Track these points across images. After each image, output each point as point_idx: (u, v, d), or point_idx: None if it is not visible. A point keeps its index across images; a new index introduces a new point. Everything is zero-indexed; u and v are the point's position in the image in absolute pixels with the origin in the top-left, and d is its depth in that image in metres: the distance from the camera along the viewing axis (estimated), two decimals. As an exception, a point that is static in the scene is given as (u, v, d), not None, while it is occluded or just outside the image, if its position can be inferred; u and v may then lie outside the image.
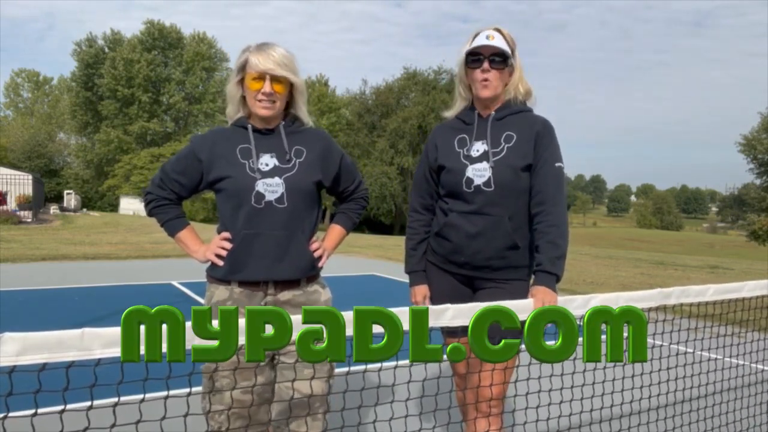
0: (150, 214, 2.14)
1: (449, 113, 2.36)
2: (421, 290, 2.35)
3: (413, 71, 50.00)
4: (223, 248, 2.01)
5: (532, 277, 2.29)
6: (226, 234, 2.03)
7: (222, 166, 2.02)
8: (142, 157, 44.39)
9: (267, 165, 2.02)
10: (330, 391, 2.08)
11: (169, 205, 2.12)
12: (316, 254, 2.10)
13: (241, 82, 2.03)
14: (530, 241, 2.23)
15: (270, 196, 1.99)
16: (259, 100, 1.99)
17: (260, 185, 1.99)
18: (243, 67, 2.01)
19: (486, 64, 2.15)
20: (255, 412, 1.98)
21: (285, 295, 2.04)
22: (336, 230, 2.27)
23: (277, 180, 2.00)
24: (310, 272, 2.08)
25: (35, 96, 65.47)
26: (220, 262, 2.00)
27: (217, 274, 2.03)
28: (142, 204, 2.18)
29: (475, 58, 2.17)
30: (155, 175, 2.13)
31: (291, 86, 2.05)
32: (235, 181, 1.99)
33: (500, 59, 2.15)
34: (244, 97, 2.06)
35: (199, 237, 2.15)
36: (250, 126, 2.06)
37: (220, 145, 2.06)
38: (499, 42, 2.16)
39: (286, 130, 2.09)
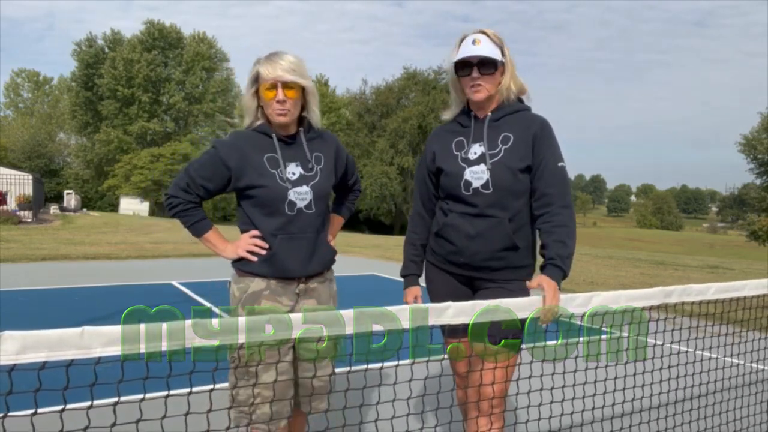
0: (175, 216, 2.25)
1: (447, 115, 2.37)
2: (413, 291, 2.39)
3: (413, 71, 50.03)
4: (255, 245, 2.16)
5: (534, 277, 2.29)
6: (256, 232, 2.17)
7: (253, 175, 2.15)
8: (142, 157, 44.40)
9: (294, 174, 2.18)
10: (333, 371, 2.27)
11: (195, 208, 2.24)
12: (331, 245, 2.34)
13: (256, 93, 2.16)
14: (531, 242, 2.23)
15: (300, 204, 2.17)
16: (275, 109, 2.12)
17: (292, 194, 2.16)
18: (256, 79, 2.14)
19: (475, 72, 2.15)
20: (285, 391, 2.14)
21: (313, 283, 2.25)
22: (338, 220, 2.54)
23: (305, 188, 2.18)
24: (331, 263, 2.34)
25: (35, 96, 65.50)
26: (254, 258, 2.16)
27: (253, 270, 2.18)
28: (165, 206, 2.30)
29: (464, 66, 2.17)
30: (179, 179, 2.22)
31: (303, 91, 2.17)
32: (268, 190, 2.14)
33: (489, 65, 2.14)
34: (260, 107, 2.19)
35: (223, 236, 2.29)
36: (274, 135, 2.19)
37: (248, 154, 2.17)
38: (485, 47, 2.14)
39: (306, 137, 2.24)
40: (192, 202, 2.22)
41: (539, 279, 1.97)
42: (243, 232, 2.23)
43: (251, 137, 2.20)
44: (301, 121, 2.25)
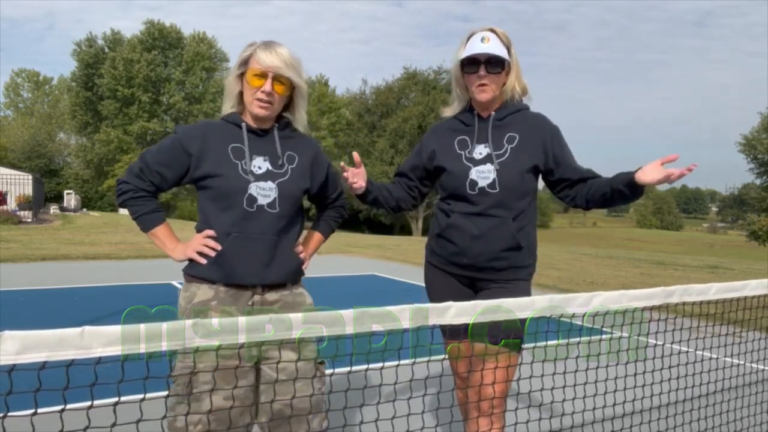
0: (123, 204, 2.00)
1: (447, 112, 2.34)
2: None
3: (413, 71, 50.01)
4: (207, 246, 1.93)
5: (533, 275, 2.29)
6: (210, 232, 1.95)
7: (212, 163, 1.94)
8: (142, 157, 44.36)
9: (260, 168, 1.97)
10: (323, 402, 2.01)
11: (147, 197, 1.99)
12: (301, 257, 2.09)
13: (242, 77, 1.97)
14: (532, 242, 2.24)
15: (262, 200, 1.94)
16: (258, 99, 1.93)
17: (253, 188, 1.94)
18: (246, 62, 1.95)
19: (482, 71, 2.12)
20: (236, 419, 1.87)
21: (272, 295, 2.00)
22: (317, 237, 2.27)
23: (270, 184, 1.96)
24: (296, 276, 2.07)
25: (35, 96, 65.48)
26: (203, 261, 1.93)
27: (200, 274, 1.95)
28: (115, 193, 2.04)
29: (470, 63, 2.15)
30: (133, 164, 2.00)
31: (292, 89, 2.00)
32: (226, 180, 1.93)
33: (496, 63, 2.13)
34: (241, 93, 2.00)
35: (175, 234, 2.06)
36: (244, 125, 2.00)
37: (212, 141, 1.97)
38: (494, 45, 2.12)
39: (280, 133, 2.04)
40: (144, 191, 1.98)
41: (648, 167, 1.98)
42: (199, 232, 1.99)
43: (218, 126, 2.01)
44: (279, 119, 2.07)
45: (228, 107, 2.04)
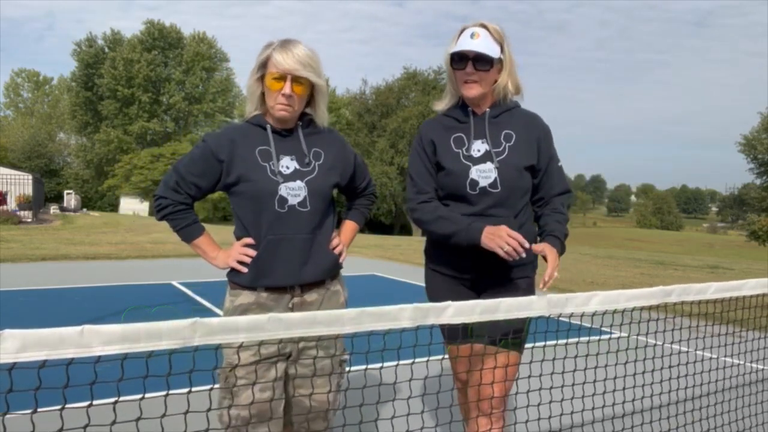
0: (163, 218, 2.06)
1: (439, 106, 2.29)
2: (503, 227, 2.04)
3: (413, 71, 49.97)
4: (246, 254, 1.97)
5: (536, 275, 2.29)
6: (249, 240, 1.99)
7: (242, 168, 1.97)
8: (143, 157, 44.41)
9: (288, 168, 1.99)
10: (339, 400, 2.12)
11: (185, 210, 2.04)
12: (337, 251, 2.11)
13: (261, 78, 1.98)
14: (532, 238, 2.23)
15: (293, 200, 1.97)
16: (279, 102, 1.95)
17: (283, 189, 1.96)
18: (264, 64, 1.96)
19: (470, 67, 2.08)
20: (272, 410, 1.94)
21: (311, 295, 2.03)
22: (350, 226, 2.30)
23: (299, 183, 1.98)
24: (333, 271, 2.10)
25: (35, 96, 65.54)
26: (244, 269, 1.97)
27: (241, 281, 2.00)
28: (154, 208, 2.08)
29: (459, 59, 2.11)
30: (167, 178, 2.03)
31: (312, 87, 2.01)
32: (256, 184, 1.95)
33: (485, 61, 2.08)
34: (262, 94, 2.01)
35: (215, 242, 2.10)
36: (269, 127, 2.02)
37: (240, 146, 1.99)
38: (483, 42, 2.07)
39: (304, 131, 2.06)
40: (182, 203, 2.02)
41: (543, 246, 2.03)
42: (237, 238, 2.03)
43: (243, 129, 2.03)
44: (302, 116, 2.08)
45: (251, 109, 2.05)
